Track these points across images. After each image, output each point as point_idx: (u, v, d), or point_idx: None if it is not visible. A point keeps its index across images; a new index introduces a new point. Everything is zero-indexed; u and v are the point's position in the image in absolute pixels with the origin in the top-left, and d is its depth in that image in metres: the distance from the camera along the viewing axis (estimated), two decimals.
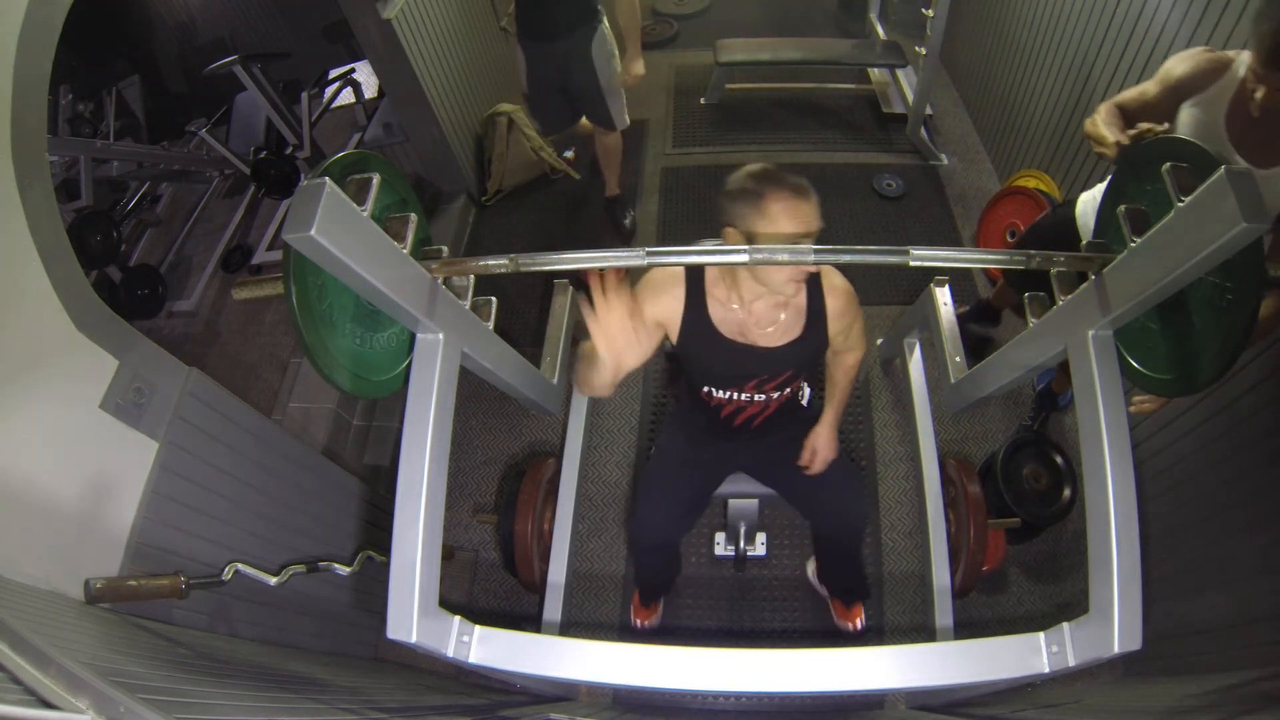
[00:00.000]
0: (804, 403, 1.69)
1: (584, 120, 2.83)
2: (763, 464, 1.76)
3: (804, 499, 1.73)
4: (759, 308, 1.36)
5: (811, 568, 2.12)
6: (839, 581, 1.99)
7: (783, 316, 1.38)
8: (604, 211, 3.19)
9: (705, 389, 1.52)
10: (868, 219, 3.10)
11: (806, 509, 1.76)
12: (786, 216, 1.17)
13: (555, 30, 2.43)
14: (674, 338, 1.43)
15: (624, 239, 3.09)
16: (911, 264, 1.06)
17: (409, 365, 1.22)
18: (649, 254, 1.07)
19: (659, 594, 2.06)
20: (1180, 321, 1.12)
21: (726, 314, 1.38)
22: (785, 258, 1.06)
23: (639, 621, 2.07)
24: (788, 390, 1.50)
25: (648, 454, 2.41)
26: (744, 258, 1.06)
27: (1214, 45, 1.79)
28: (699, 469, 1.71)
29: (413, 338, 1.19)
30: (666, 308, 1.39)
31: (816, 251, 1.04)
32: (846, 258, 1.08)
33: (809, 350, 1.42)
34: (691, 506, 1.73)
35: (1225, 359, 1.04)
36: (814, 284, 1.38)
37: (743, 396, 1.50)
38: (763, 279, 1.26)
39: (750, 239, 1.18)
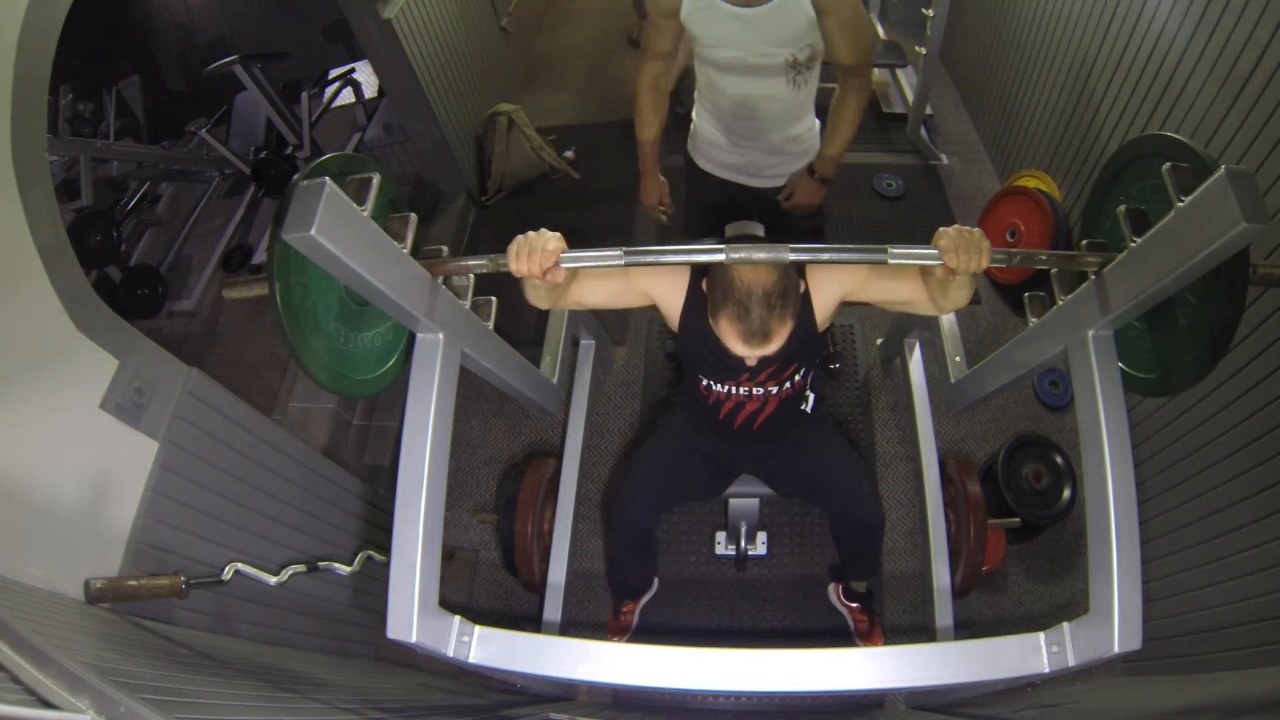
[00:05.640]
0: (808, 409, 1.69)
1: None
2: (770, 469, 1.76)
3: (817, 498, 1.74)
4: None
5: (832, 589, 2.09)
6: (856, 569, 1.95)
7: None
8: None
9: (704, 383, 1.53)
10: (868, 219, 3.10)
11: (822, 505, 1.76)
12: (734, 335, 1.24)
13: None
14: (674, 326, 1.47)
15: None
16: (890, 263, 1.06)
17: (394, 365, 1.23)
18: (627, 253, 1.07)
19: (634, 589, 1.99)
20: (1165, 321, 1.13)
21: None
22: (762, 256, 1.06)
23: (614, 639, 1.99)
24: (788, 386, 1.50)
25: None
26: (720, 257, 1.06)
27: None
28: (699, 458, 1.72)
29: (411, 337, 1.20)
30: (666, 293, 1.44)
31: (794, 250, 1.04)
32: (825, 256, 1.08)
33: (794, 340, 1.39)
34: (679, 493, 1.74)
35: (1209, 359, 1.04)
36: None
37: (740, 391, 1.50)
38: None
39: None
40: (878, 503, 1.68)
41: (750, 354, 1.26)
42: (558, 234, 1.13)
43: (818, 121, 1.84)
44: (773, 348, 1.25)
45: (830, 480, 1.68)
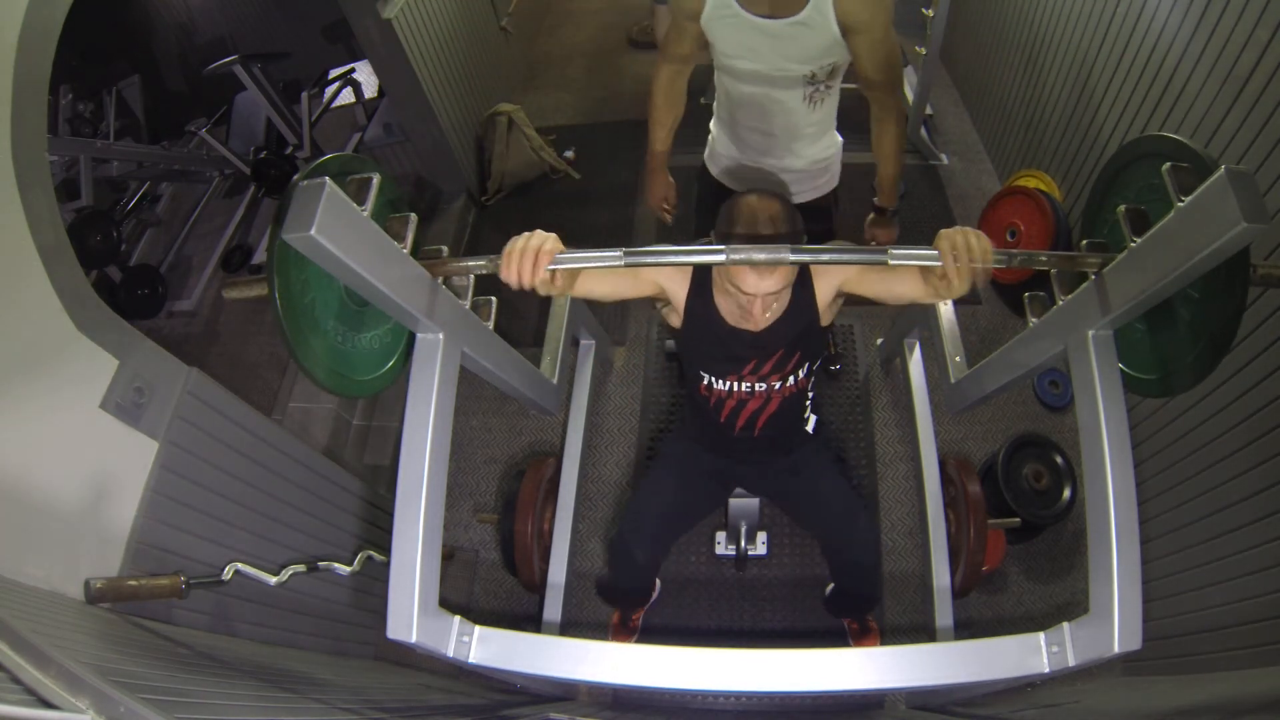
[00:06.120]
0: (809, 428, 1.69)
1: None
2: (766, 485, 1.76)
3: (813, 528, 1.74)
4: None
5: (829, 590, 2.09)
6: (849, 606, 1.98)
7: (778, 304, 1.40)
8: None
9: (705, 380, 1.52)
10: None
11: (816, 537, 1.76)
12: (742, 219, 1.23)
13: None
14: (679, 317, 1.47)
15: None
16: (891, 263, 1.06)
17: (394, 365, 1.23)
18: (626, 254, 1.07)
19: (637, 604, 2.02)
20: (1165, 321, 1.12)
21: (728, 300, 1.40)
22: (762, 258, 1.05)
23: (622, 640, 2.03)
24: (790, 383, 1.50)
25: (647, 458, 2.41)
26: (721, 258, 1.06)
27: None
28: (699, 477, 1.72)
29: (411, 337, 1.20)
30: (672, 277, 1.44)
31: (794, 251, 1.04)
32: (826, 257, 1.08)
33: (796, 326, 1.42)
34: (682, 521, 1.74)
35: (1210, 359, 1.04)
36: (802, 271, 1.41)
37: (742, 387, 1.50)
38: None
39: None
40: (874, 544, 1.64)
41: (759, 286, 1.23)
42: (553, 235, 1.10)
43: (840, 139, 1.79)
44: (779, 279, 1.23)
45: (826, 508, 1.66)
